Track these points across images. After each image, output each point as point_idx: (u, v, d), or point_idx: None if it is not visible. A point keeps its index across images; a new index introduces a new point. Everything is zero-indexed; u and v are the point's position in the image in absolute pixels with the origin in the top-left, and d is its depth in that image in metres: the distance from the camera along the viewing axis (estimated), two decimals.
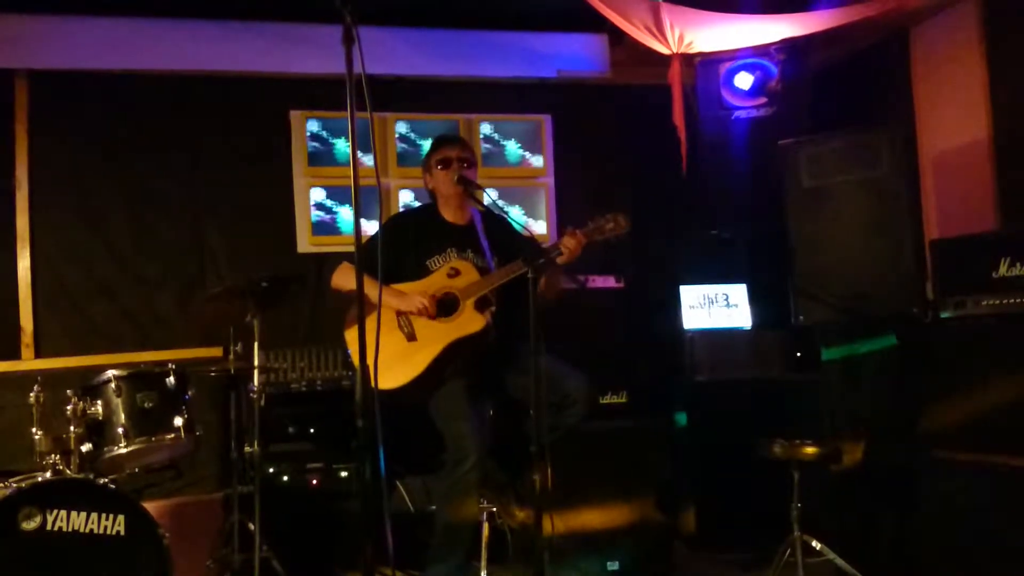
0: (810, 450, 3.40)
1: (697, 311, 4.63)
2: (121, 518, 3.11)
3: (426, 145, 4.08)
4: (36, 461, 3.23)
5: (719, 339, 4.56)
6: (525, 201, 5.28)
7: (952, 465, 3.33)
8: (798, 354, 4.48)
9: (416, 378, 3.44)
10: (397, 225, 3.81)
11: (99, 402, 3.38)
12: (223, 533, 3.78)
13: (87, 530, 3.06)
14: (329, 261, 4.60)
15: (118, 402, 3.39)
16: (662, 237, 5.15)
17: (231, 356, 3.67)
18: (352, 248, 2.57)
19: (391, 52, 4.88)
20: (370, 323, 2.54)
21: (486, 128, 5.26)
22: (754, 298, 4.68)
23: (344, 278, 3.64)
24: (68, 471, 3.21)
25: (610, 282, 4.34)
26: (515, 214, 5.14)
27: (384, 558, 2.62)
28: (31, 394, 3.28)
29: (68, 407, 3.30)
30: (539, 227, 5.20)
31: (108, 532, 3.09)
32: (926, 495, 3.43)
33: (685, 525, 4.22)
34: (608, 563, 3.88)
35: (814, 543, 3.42)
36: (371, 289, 2.84)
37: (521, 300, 3.13)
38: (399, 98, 5.04)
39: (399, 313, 3.52)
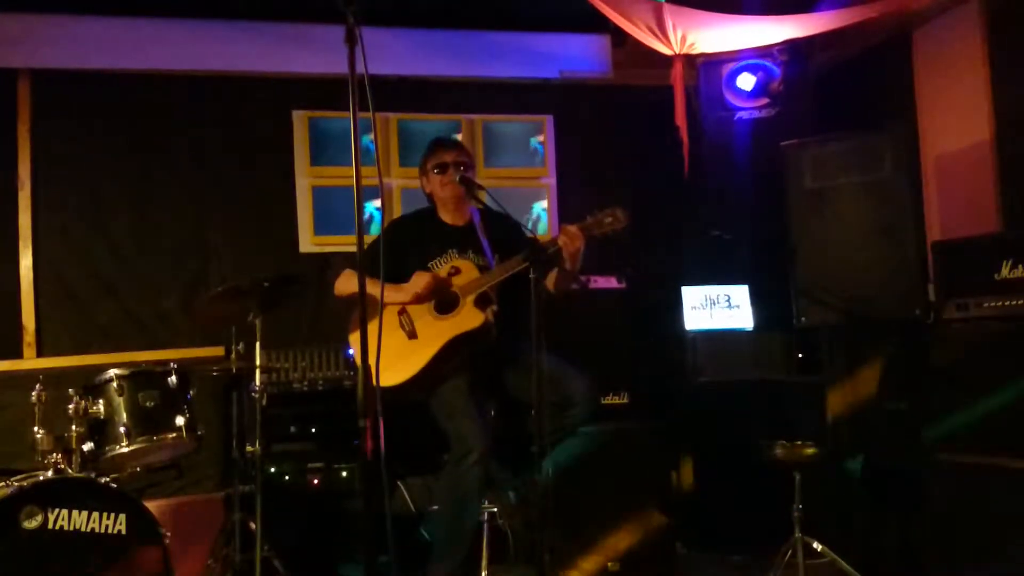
0: (812, 452, 3.40)
1: (699, 312, 4.62)
2: (122, 517, 3.10)
3: None
4: (38, 460, 3.22)
5: (721, 340, 4.55)
6: (527, 201, 5.28)
7: (955, 467, 3.33)
8: (800, 356, 4.47)
9: (416, 375, 3.44)
10: (398, 229, 3.81)
11: (101, 401, 3.37)
12: (224, 532, 3.77)
13: (88, 529, 3.05)
14: (331, 261, 4.62)
15: (120, 401, 3.39)
16: (664, 238, 5.15)
17: (233, 356, 3.67)
18: (354, 248, 2.58)
19: (393, 52, 4.88)
20: (372, 326, 2.55)
21: (488, 128, 5.25)
22: (756, 299, 4.66)
23: (347, 284, 3.65)
24: (69, 470, 3.20)
25: (612, 283, 4.34)
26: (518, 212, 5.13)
27: (385, 558, 2.62)
28: (33, 393, 3.27)
29: (70, 406, 3.29)
30: (540, 227, 5.20)
31: (109, 531, 3.08)
32: (929, 497, 3.42)
33: (686, 526, 4.21)
34: (609, 564, 3.88)
35: (815, 544, 3.42)
36: (374, 288, 2.83)
37: (523, 299, 3.12)
38: (401, 98, 5.05)
39: (400, 312, 3.52)
